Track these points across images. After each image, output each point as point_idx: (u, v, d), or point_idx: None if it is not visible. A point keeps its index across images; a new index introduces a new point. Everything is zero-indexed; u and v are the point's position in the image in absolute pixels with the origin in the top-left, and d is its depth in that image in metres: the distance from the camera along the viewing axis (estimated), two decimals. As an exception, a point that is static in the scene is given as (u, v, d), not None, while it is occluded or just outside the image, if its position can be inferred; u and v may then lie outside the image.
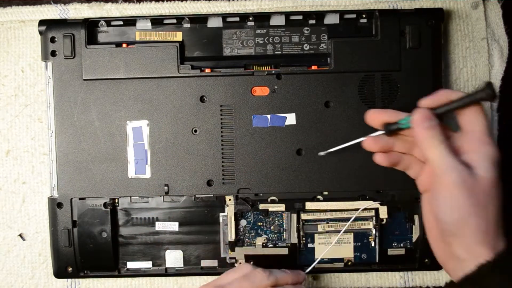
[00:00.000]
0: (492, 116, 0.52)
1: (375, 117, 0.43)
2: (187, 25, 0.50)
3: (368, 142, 0.42)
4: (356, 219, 0.50)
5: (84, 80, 0.49)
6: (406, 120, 0.40)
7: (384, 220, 0.50)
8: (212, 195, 0.50)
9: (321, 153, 0.48)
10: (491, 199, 0.38)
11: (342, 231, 0.49)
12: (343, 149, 0.47)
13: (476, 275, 0.37)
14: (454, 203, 0.38)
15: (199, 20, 0.50)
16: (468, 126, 0.39)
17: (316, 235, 0.50)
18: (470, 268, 0.37)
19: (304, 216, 0.50)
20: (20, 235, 0.53)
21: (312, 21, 0.50)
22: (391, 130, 0.41)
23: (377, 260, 0.50)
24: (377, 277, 0.52)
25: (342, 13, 0.50)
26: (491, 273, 0.36)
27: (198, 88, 0.49)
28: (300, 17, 0.50)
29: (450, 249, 0.39)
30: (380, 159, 0.42)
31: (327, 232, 0.50)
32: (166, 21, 0.50)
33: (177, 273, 0.51)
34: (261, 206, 0.50)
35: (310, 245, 0.50)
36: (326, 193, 0.49)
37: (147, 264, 0.51)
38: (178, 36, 0.50)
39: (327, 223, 0.50)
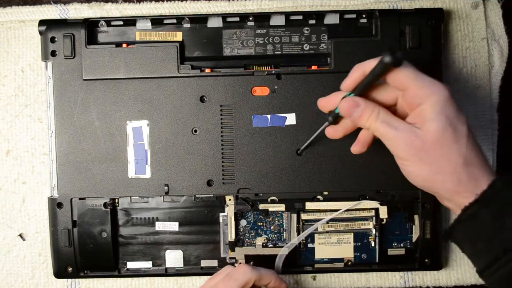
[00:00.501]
0: (492, 116, 0.52)
1: (323, 105, 0.43)
2: (187, 25, 0.50)
3: (329, 133, 0.43)
4: (356, 219, 0.50)
5: (84, 80, 0.49)
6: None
7: (384, 220, 0.50)
8: (212, 195, 0.49)
9: (299, 150, 0.49)
10: (450, 148, 0.37)
11: (324, 221, 0.49)
12: (343, 149, 0.48)
13: (464, 217, 0.37)
14: (412, 170, 0.38)
15: (199, 20, 0.50)
16: (400, 86, 0.38)
17: (316, 235, 0.50)
18: (458, 212, 0.38)
19: (304, 216, 0.50)
20: (20, 235, 0.53)
21: (312, 21, 0.50)
22: (333, 120, 0.42)
23: (377, 260, 0.50)
24: (377, 277, 0.52)
25: (342, 13, 0.50)
26: (477, 213, 0.36)
27: (198, 88, 0.49)
28: (300, 17, 0.50)
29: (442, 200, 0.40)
30: (355, 149, 0.43)
31: (327, 232, 0.50)
32: (166, 21, 0.50)
33: (177, 273, 0.51)
34: (261, 206, 0.50)
35: (310, 245, 0.50)
36: (326, 193, 0.49)
37: (147, 264, 0.51)
38: (178, 36, 0.50)
39: (327, 223, 0.50)
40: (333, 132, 0.43)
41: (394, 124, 0.38)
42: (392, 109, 0.40)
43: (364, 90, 0.39)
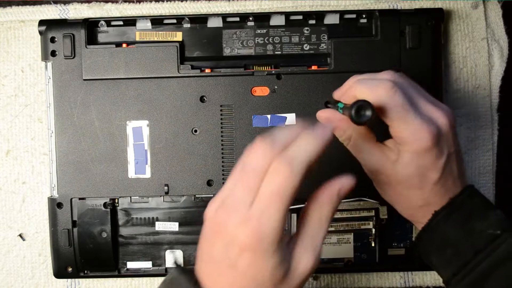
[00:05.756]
0: (492, 116, 0.52)
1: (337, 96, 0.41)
2: (187, 25, 0.50)
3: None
4: (356, 219, 0.50)
5: (84, 80, 0.49)
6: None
7: (384, 220, 0.50)
8: (212, 195, 0.49)
9: None
10: (412, 192, 0.38)
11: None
12: (343, 148, 0.47)
13: (435, 222, 0.38)
14: (377, 188, 0.41)
15: (199, 20, 0.50)
16: (386, 120, 0.37)
17: (316, 235, 0.50)
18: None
19: (304, 216, 0.50)
20: (20, 235, 0.53)
21: (312, 21, 0.50)
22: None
23: (377, 260, 0.50)
24: (377, 277, 0.53)
25: (342, 13, 0.50)
26: (448, 218, 0.37)
27: (198, 88, 0.49)
28: (300, 17, 0.50)
29: None
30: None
31: (327, 232, 0.50)
32: (166, 21, 0.50)
33: (177, 273, 0.51)
34: (261, 206, 0.50)
35: (310, 245, 0.50)
36: (326, 193, 0.49)
37: (147, 264, 0.51)
38: (178, 36, 0.50)
39: (327, 223, 0.50)
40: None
41: (365, 153, 0.39)
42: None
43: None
